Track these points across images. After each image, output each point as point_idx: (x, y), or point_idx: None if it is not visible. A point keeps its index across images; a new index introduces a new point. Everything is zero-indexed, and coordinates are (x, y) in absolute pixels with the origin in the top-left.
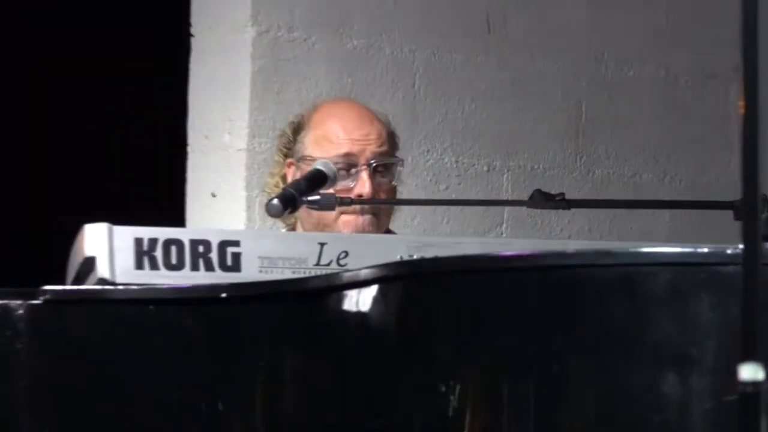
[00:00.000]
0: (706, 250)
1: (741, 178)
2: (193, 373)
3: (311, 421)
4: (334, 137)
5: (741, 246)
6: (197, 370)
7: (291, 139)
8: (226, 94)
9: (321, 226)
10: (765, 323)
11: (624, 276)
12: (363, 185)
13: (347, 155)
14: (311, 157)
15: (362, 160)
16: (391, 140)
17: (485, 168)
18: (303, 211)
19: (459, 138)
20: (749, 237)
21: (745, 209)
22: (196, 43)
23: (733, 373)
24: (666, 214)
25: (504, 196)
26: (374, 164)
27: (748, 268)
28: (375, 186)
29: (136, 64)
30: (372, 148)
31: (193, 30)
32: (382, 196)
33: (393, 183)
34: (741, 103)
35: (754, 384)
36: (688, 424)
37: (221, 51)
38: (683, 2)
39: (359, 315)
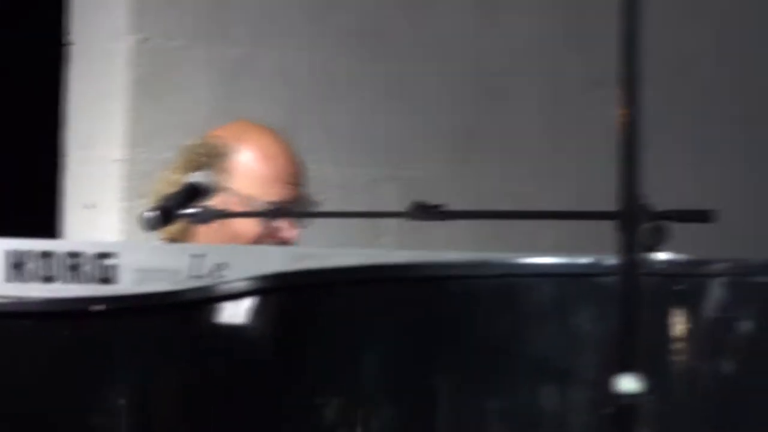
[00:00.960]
0: (585, 260)
1: (618, 188)
2: (68, 385)
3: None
4: (260, 179)
5: (618, 256)
6: (72, 383)
7: (204, 161)
8: (104, 103)
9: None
10: (647, 334)
11: (503, 287)
12: (291, 230)
13: (275, 200)
14: (239, 193)
15: (287, 205)
16: (304, 175)
17: (369, 178)
18: (228, 225)
19: (342, 149)
20: (626, 247)
21: (622, 219)
22: (74, 52)
23: (613, 385)
24: (551, 225)
25: (388, 207)
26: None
27: (625, 278)
28: (294, 226)
29: (10, 72)
30: (300, 193)
31: (71, 38)
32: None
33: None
34: (620, 112)
35: (632, 396)
36: None
37: (99, 59)
38: (569, 9)
39: (235, 327)
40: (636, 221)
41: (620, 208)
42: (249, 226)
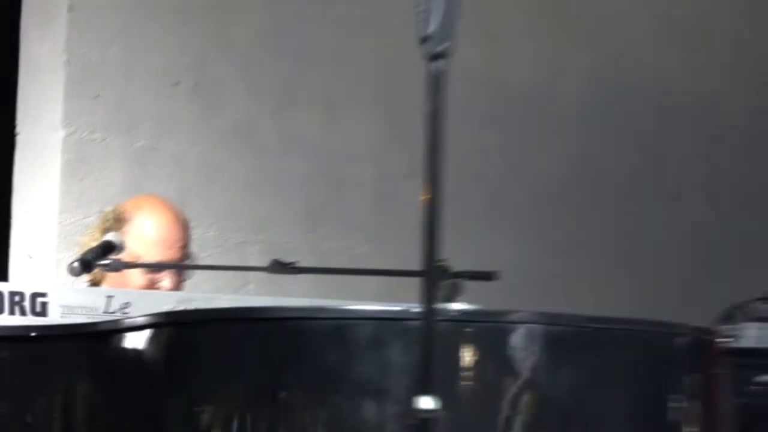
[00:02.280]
0: (397, 308)
1: (422, 253)
2: (9, 393)
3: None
4: (150, 240)
5: (421, 306)
6: (12, 391)
7: (112, 226)
8: (42, 178)
9: (141, 285)
10: (443, 365)
11: (336, 327)
12: (170, 281)
13: (160, 260)
14: (132, 251)
15: (176, 259)
16: (189, 238)
17: (239, 241)
18: (125, 273)
19: (220, 217)
20: (427, 298)
21: (424, 277)
22: (19, 139)
23: (415, 402)
24: (376, 279)
25: (253, 263)
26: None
27: (426, 323)
28: (176, 277)
29: None
30: (177, 254)
31: (17, 129)
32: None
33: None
34: (424, 196)
35: (428, 412)
36: None
37: (39, 146)
38: (393, 115)
39: (136, 352)
40: (434, 279)
41: (422, 269)
42: (137, 277)
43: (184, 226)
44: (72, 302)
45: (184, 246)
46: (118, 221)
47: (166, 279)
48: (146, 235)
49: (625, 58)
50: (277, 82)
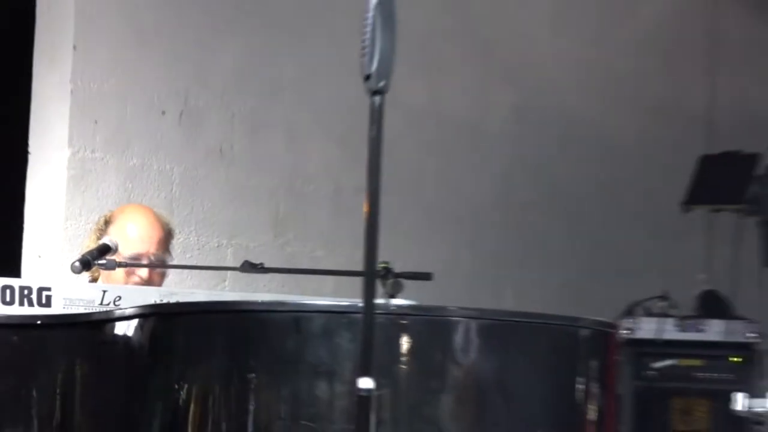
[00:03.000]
0: (345, 303)
1: (365, 255)
2: (19, 372)
3: (94, 404)
4: (128, 237)
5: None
6: (20, 370)
7: (103, 228)
8: (50, 190)
9: (124, 280)
10: (384, 351)
11: (293, 318)
12: (146, 273)
13: (136, 252)
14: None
15: (145, 256)
16: (166, 238)
17: (216, 245)
18: (114, 272)
19: (200, 225)
20: (367, 295)
21: (365, 277)
22: (31, 157)
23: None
24: (332, 278)
25: (227, 264)
26: (153, 258)
27: (366, 316)
28: (151, 272)
29: None
30: (152, 249)
31: (30, 148)
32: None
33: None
34: (365, 209)
35: (368, 390)
36: (332, 415)
37: (47, 163)
38: (349, 135)
39: (126, 338)
40: (372, 278)
41: (363, 270)
42: (120, 274)
43: (160, 227)
44: (73, 296)
45: (159, 241)
46: (106, 224)
47: (142, 271)
48: (126, 232)
49: (541, 95)
50: (249, 111)
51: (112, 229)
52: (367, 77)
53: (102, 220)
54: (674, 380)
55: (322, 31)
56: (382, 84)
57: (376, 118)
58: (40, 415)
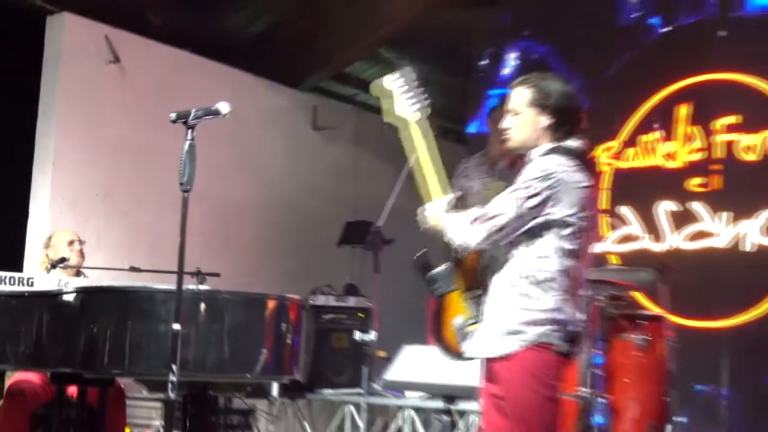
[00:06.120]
0: (171, 287)
1: (178, 263)
2: (15, 317)
3: (52, 333)
4: (62, 247)
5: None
6: (15, 317)
7: (47, 243)
8: (40, 217)
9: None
10: (188, 314)
11: (149, 293)
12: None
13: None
14: (56, 249)
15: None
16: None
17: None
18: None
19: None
20: (179, 282)
21: (177, 275)
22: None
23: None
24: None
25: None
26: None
27: (178, 294)
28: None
29: None
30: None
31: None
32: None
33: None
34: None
35: (177, 331)
36: (165, 338)
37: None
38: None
39: (68, 301)
40: (182, 275)
41: (177, 269)
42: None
43: (78, 241)
44: (44, 282)
45: (81, 242)
46: (49, 240)
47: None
48: (58, 244)
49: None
50: None
51: (52, 243)
52: (181, 184)
53: (47, 240)
54: (333, 324)
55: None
56: (187, 187)
57: (185, 208)
58: (26, 339)
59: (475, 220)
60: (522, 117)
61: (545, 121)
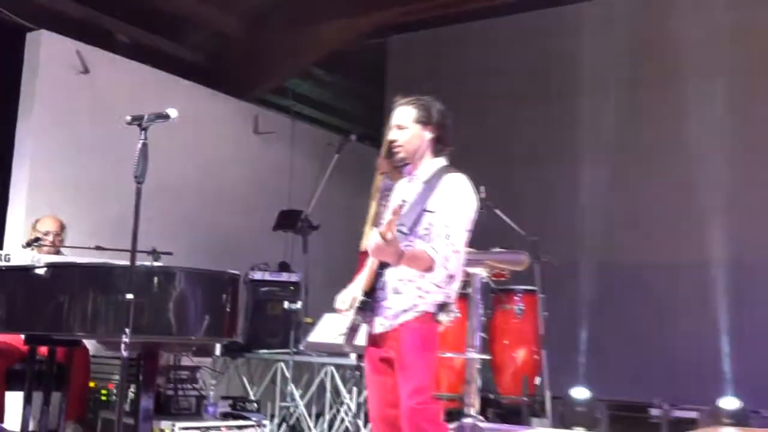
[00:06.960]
0: (127, 263)
1: (131, 243)
2: (13, 287)
3: (25, 301)
4: (42, 231)
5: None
6: (16, 288)
7: (33, 225)
8: (16, 213)
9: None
10: (138, 284)
11: (108, 268)
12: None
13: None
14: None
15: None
16: (63, 232)
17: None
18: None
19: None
20: (131, 260)
21: (131, 253)
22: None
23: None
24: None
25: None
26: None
27: (131, 268)
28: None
29: None
30: (55, 237)
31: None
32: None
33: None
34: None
35: (130, 298)
36: (120, 305)
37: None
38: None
39: (41, 276)
40: (135, 253)
41: (130, 248)
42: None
43: (59, 226)
44: (20, 258)
45: (57, 234)
46: (36, 222)
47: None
48: (40, 229)
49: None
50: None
51: (36, 226)
52: (136, 177)
53: (34, 223)
54: (268, 295)
55: None
56: (140, 180)
57: (138, 198)
58: (2, 306)
59: (450, 244)
60: (408, 131)
61: (428, 135)
